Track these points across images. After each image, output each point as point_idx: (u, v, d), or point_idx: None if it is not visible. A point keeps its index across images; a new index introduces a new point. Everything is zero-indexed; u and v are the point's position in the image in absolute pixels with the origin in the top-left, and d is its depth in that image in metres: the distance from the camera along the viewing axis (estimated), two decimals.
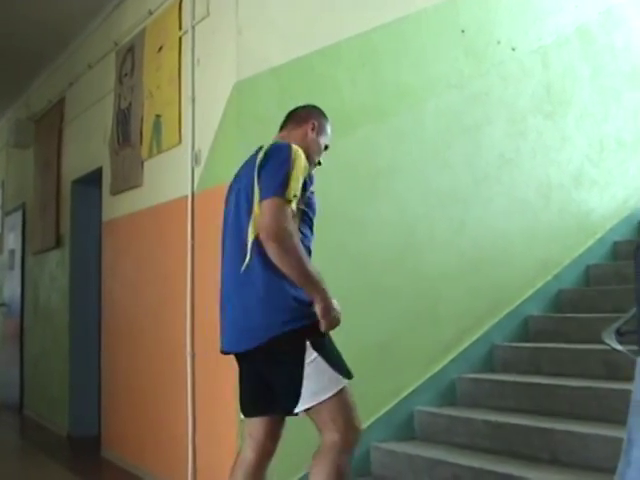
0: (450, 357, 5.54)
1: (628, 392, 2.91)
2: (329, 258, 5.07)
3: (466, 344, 5.63)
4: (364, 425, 5.08)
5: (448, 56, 5.92)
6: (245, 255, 3.22)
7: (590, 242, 6.61)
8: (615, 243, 6.74)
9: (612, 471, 2.89)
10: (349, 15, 5.36)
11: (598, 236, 6.68)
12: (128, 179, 6.29)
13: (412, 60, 5.68)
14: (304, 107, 3.78)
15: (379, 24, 5.48)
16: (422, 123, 5.65)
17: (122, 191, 6.46)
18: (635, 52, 7.38)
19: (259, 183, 3.21)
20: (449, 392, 5.50)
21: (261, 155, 3.29)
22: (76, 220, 7.86)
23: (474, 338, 5.70)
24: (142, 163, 6.07)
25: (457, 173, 5.67)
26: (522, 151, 6.24)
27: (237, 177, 3.53)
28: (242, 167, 3.53)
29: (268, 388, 3.34)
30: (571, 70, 6.80)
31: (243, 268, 3.22)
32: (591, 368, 5.08)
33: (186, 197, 5.36)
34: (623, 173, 7.00)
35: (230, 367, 4.83)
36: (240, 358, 3.41)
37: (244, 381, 3.47)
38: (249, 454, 3.44)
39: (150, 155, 5.91)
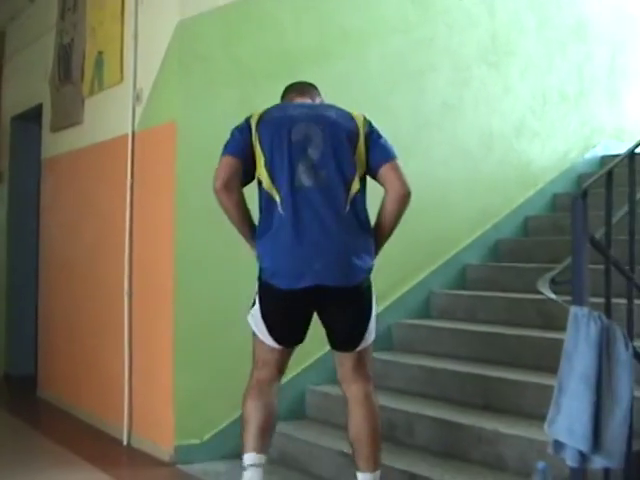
0: (387, 303, 5.56)
1: (562, 342, 2.96)
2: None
3: (404, 291, 5.67)
4: (300, 368, 5.15)
5: (394, 1, 5.89)
6: (341, 199, 3.44)
7: (530, 193, 6.64)
8: (554, 195, 6.79)
9: (543, 418, 2.95)
10: None
11: (538, 187, 6.72)
12: (69, 116, 6.22)
13: (358, 4, 5.66)
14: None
15: None
16: (366, 67, 5.62)
17: (62, 128, 6.39)
18: (581, 5, 7.38)
19: (373, 145, 3.59)
20: (385, 337, 5.51)
21: (361, 119, 3.67)
22: (15, 157, 7.79)
23: (412, 285, 5.74)
24: (83, 100, 6.01)
25: (399, 119, 5.65)
26: (465, 100, 6.24)
27: (290, 109, 3.67)
28: (294, 105, 3.72)
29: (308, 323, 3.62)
30: (517, 21, 6.79)
31: (346, 212, 3.44)
32: (526, 317, 5.14)
33: (126, 135, 5.31)
34: (565, 126, 7.03)
35: (167, 306, 4.86)
36: (303, 293, 3.44)
37: (294, 314, 3.57)
38: (266, 375, 3.67)
39: (91, 92, 5.85)
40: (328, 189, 3.45)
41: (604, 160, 6.95)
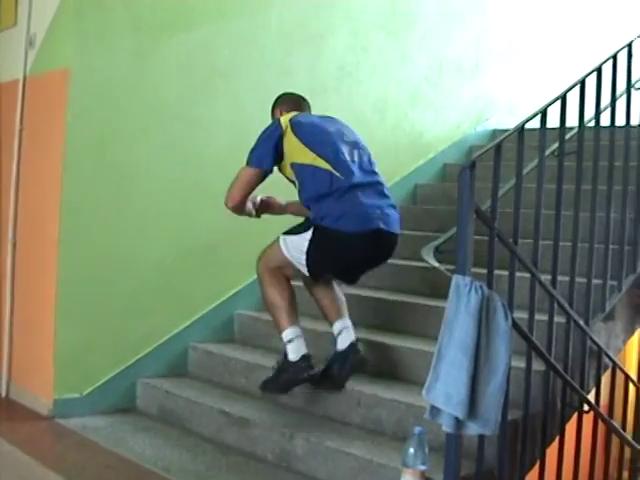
0: None
1: (444, 310, 3.00)
2: (161, 156, 5.04)
3: None
4: (184, 325, 5.14)
5: None
6: (375, 175, 4.28)
7: (421, 162, 6.72)
8: (445, 165, 6.88)
9: (422, 384, 2.99)
10: None
11: (429, 157, 6.80)
12: None
13: None
14: None
15: None
16: (265, 27, 5.57)
17: None
18: None
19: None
20: None
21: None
22: None
23: None
24: None
25: (295, 81, 5.63)
26: (362, 66, 6.24)
27: (317, 127, 4.27)
28: (321, 117, 4.42)
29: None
30: None
31: (382, 183, 4.28)
32: (411, 284, 5.22)
33: (17, 80, 5.18)
34: (459, 97, 7.11)
35: (52, 258, 4.79)
36: (365, 241, 4.11)
37: (367, 255, 4.26)
38: (287, 273, 4.31)
39: None
40: (362, 165, 4.23)
41: (496, 133, 7.04)
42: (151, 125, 4.99)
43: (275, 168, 4.26)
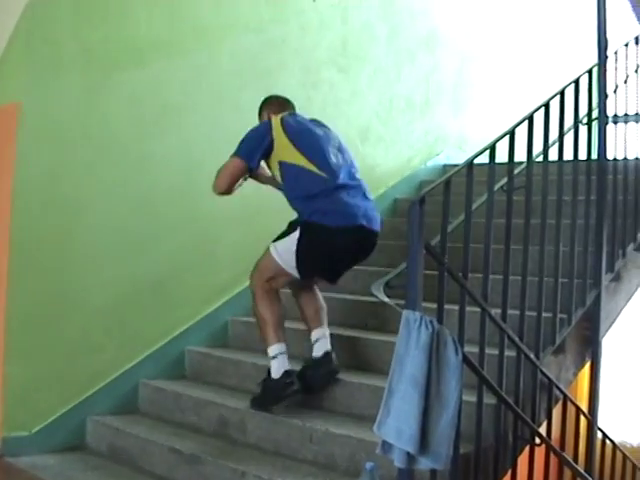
0: (225, 299, 5.57)
1: (394, 344, 3.00)
2: (111, 192, 5.01)
3: (243, 287, 5.62)
4: (134, 361, 5.10)
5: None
6: (357, 176, 4.61)
7: (372, 196, 6.74)
8: (396, 200, 6.91)
9: (374, 419, 2.99)
10: None
11: (380, 191, 6.82)
12: None
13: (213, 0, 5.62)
14: None
15: None
16: (217, 64, 5.59)
17: None
18: (432, 17, 7.56)
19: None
20: (222, 333, 5.54)
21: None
22: None
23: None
24: None
25: (247, 116, 5.61)
26: (313, 101, 6.26)
27: (305, 130, 4.53)
28: (308, 120, 4.67)
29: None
30: (369, 28, 6.89)
31: (364, 186, 4.59)
32: (362, 319, 5.22)
33: None
34: (409, 133, 7.18)
35: (1, 294, 4.72)
36: (348, 235, 4.36)
37: (349, 249, 4.47)
38: (277, 285, 4.52)
39: None
40: (344, 167, 4.53)
41: (446, 168, 7.10)
42: (102, 160, 4.97)
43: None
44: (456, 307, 3.43)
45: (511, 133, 3.79)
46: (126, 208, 5.05)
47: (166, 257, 5.17)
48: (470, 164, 3.53)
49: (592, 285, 4.50)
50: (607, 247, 4.62)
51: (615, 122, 5.05)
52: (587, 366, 4.68)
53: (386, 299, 3.95)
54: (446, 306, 3.29)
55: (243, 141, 4.47)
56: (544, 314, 4.05)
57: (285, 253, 4.39)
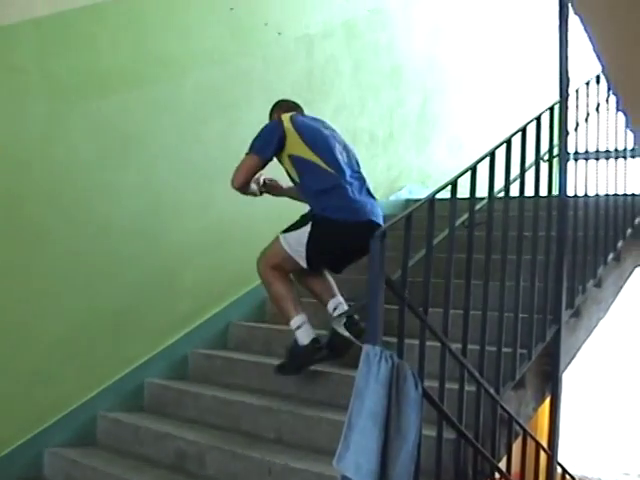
0: (185, 331, 5.53)
1: (354, 378, 3.00)
2: (72, 221, 4.98)
3: (203, 319, 5.64)
4: (92, 393, 5.05)
5: (214, 32, 5.88)
6: (361, 175, 4.85)
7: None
8: None
9: (333, 453, 2.98)
10: None
11: None
12: None
13: (178, 31, 5.60)
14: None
15: None
16: (180, 95, 5.58)
17: None
18: (397, 52, 7.62)
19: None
20: (181, 366, 5.50)
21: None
22: None
23: (211, 314, 5.71)
24: None
25: (209, 149, 5.66)
26: None
27: (314, 128, 4.82)
28: (316, 120, 4.97)
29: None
30: (333, 62, 6.93)
31: (368, 184, 4.87)
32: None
33: None
34: (372, 167, 7.20)
35: None
36: (358, 229, 4.47)
37: (353, 246, 4.57)
38: (289, 269, 4.79)
39: None
40: (350, 166, 4.78)
41: (408, 203, 7.12)
42: (64, 189, 4.94)
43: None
44: (416, 342, 3.43)
45: (473, 169, 3.81)
46: (87, 237, 5.01)
47: (126, 288, 5.14)
48: (432, 199, 3.55)
49: (552, 321, 4.53)
50: (567, 283, 4.65)
51: (576, 159, 5.10)
52: (547, 401, 4.69)
53: (346, 333, 3.95)
54: (407, 340, 3.29)
55: (255, 139, 4.74)
56: (504, 349, 4.06)
57: (295, 244, 4.66)
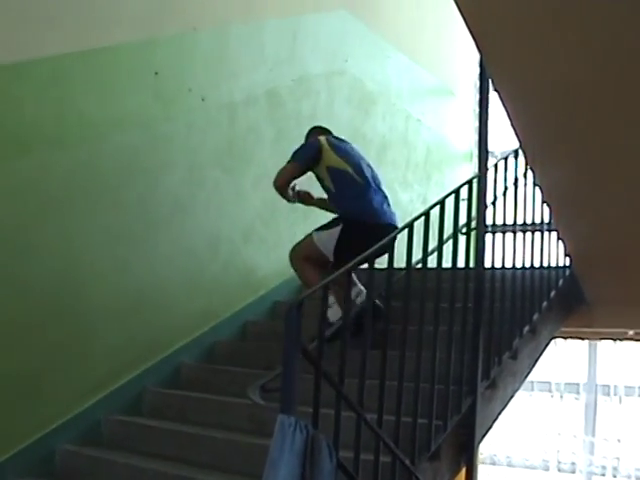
0: (99, 396, 5.39)
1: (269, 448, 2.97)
2: None
3: (117, 385, 5.53)
4: (52, 425, 4.99)
5: (138, 95, 5.86)
6: (383, 191, 5.85)
7: (252, 298, 6.74)
8: (275, 302, 6.91)
9: None
10: (45, 35, 5.19)
11: (260, 293, 6.84)
12: None
13: (102, 93, 5.57)
14: None
15: (75, 50, 5.36)
16: (101, 157, 5.52)
17: None
18: (318, 122, 7.65)
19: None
20: (94, 432, 5.36)
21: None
22: None
23: (126, 380, 5.59)
24: None
25: (128, 213, 5.61)
26: (197, 200, 6.28)
27: (346, 146, 5.94)
28: (344, 141, 6.01)
29: None
30: (256, 130, 6.96)
31: (387, 199, 5.82)
32: (237, 421, 5.12)
33: None
34: (292, 236, 7.18)
35: None
36: (379, 230, 5.05)
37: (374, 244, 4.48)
38: (316, 259, 5.60)
39: None
40: (372, 180, 5.80)
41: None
42: None
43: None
44: (332, 411, 3.42)
45: (392, 240, 3.84)
46: (3, 298, 4.91)
47: (39, 350, 5.03)
48: (349, 270, 3.57)
49: (468, 392, 4.55)
50: (483, 354, 4.68)
51: (493, 232, 5.18)
52: (462, 472, 4.69)
53: (261, 402, 3.92)
54: (322, 410, 3.28)
55: (297, 152, 5.76)
56: (420, 420, 4.07)
57: (327, 240, 5.54)
